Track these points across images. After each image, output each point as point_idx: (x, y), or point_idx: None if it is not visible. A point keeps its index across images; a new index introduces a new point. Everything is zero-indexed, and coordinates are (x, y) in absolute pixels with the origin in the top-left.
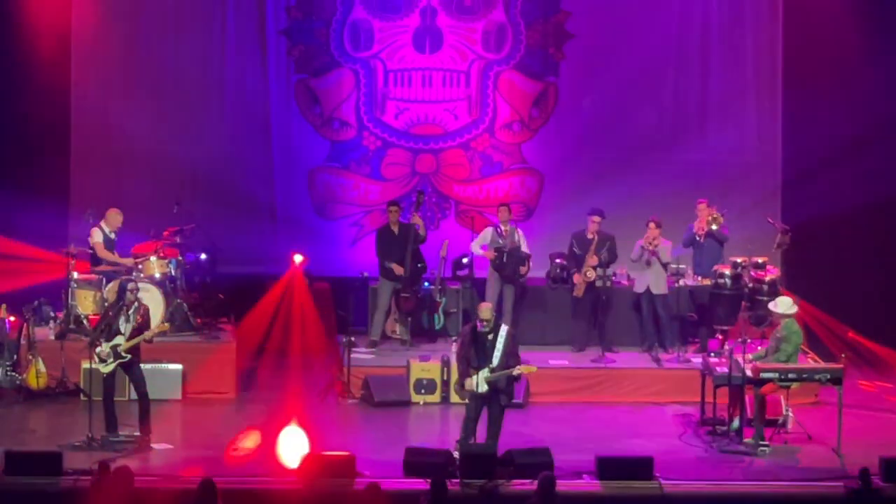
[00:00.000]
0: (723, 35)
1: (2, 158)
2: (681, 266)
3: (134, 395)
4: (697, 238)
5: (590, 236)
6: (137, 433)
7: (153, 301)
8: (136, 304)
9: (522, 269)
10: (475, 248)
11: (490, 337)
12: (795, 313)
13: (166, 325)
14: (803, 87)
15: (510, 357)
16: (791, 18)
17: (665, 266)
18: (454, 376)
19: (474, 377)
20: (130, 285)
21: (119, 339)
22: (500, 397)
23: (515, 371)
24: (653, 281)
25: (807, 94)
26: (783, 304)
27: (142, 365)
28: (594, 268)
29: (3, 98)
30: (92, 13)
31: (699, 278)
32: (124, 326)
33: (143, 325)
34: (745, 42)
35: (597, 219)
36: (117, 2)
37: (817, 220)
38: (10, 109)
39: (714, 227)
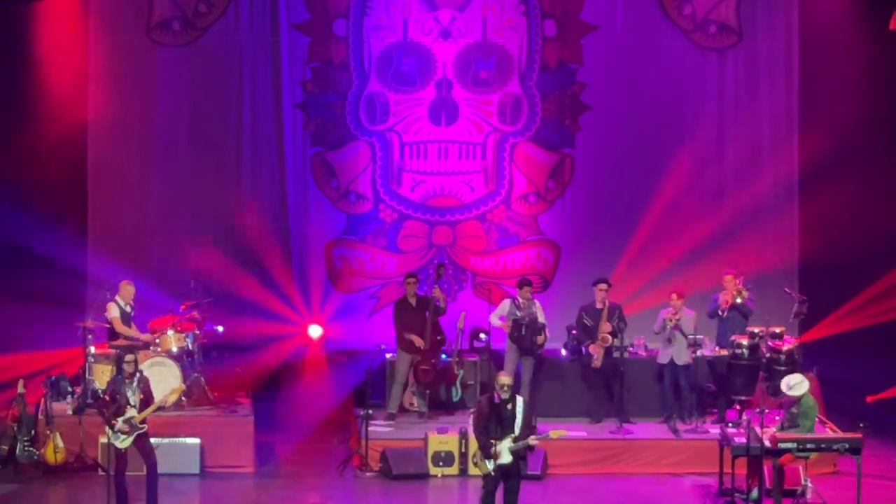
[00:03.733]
0: (738, 102)
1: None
2: (699, 336)
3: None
4: (721, 313)
5: (599, 306)
6: None
7: (171, 375)
8: (137, 374)
9: (539, 339)
10: (493, 319)
11: (509, 407)
12: (808, 389)
13: (182, 385)
14: (819, 151)
15: (527, 427)
16: (806, 84)
17: (688, 337)
18: (472, 449)
19: (496, 447)
20: (128, 356)
21: (132, 412)
22: (519, 466)
23: (532, 441)
24: (676, 352)
25: (823, 160)
26: (799, 387)
27: (160, 439)
28: (610, 334)
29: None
30: (108, 87)
31: (717, 349)
32: (133, 398)
33: (147, 398)
34: (760, 110)
35: (603, 286)
36: (133, 76)
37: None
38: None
39: (739, 300)
